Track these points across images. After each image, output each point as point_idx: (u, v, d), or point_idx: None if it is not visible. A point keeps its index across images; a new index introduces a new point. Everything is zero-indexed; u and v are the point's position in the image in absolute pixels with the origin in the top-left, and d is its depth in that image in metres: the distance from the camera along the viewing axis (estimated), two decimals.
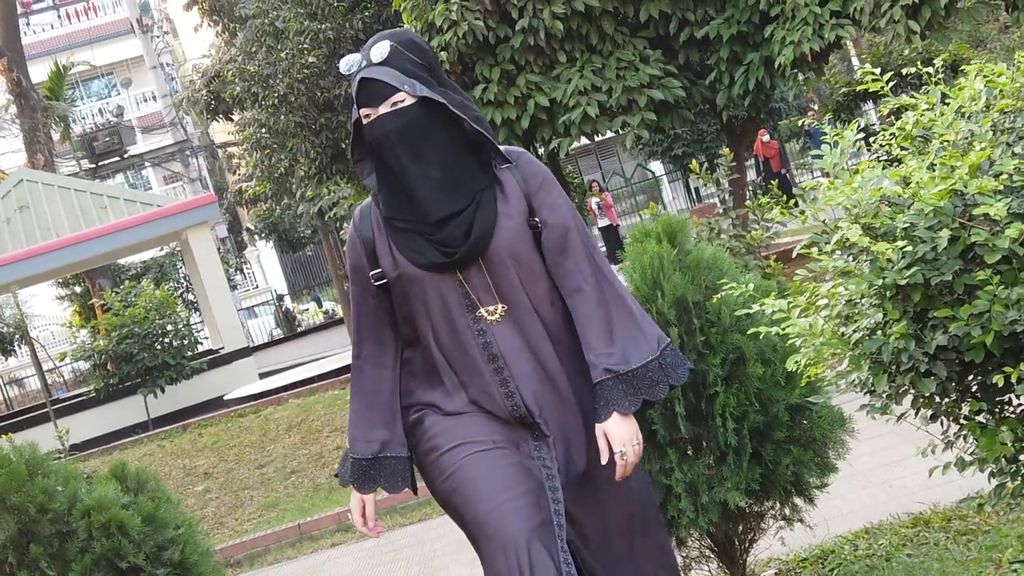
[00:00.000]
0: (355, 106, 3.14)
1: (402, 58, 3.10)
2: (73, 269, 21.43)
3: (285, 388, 14.97)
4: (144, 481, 4.45)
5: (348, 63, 3.14)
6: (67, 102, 27.14)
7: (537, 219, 3.18)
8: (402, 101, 3.07)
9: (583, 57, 10.84)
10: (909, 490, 5.53)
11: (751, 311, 3.91)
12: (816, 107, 24.23)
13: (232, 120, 18.82)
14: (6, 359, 29.20)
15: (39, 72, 27.00)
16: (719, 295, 3.61)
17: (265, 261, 41.02)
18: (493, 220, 3.11)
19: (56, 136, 26.11)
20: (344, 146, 13.16)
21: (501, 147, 3.23)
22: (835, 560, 4.66)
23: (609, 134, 12.17)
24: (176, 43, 42.03)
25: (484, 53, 10.76)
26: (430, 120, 3.09)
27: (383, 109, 3.08)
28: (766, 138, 24.66)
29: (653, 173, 34.44)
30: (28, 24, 33.81)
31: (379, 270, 3.19)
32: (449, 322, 3.15)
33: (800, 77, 10.27)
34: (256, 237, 36.68)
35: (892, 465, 6.05)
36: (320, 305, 33.72)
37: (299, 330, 29.50)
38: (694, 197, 32.07)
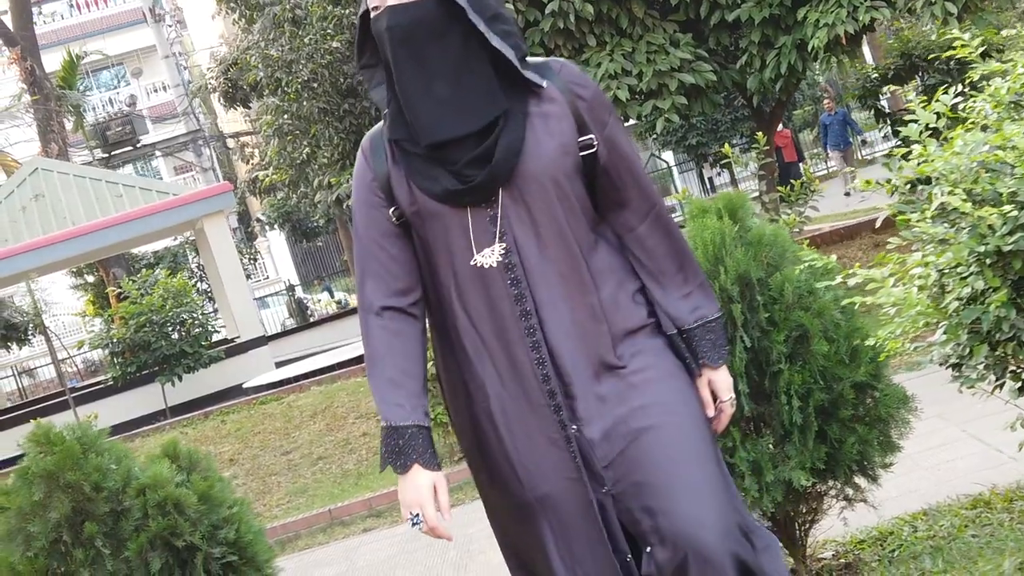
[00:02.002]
0: None
1: None
2: (89, 258, 21.40)
3: (306, 376, 14.91)
4: (196, 460, 4.40)
5: None
6: (80, 91, 27.10)
7: (591, 136, 2.65)
8: None
9: (613, 41, 10.71)
10: (959, 472, 5.47)
11: (815, 288, 3.86)
12: (825, 95, 23.99)
13: (249, 108, 18.76)
14: (20, 348, 29.21)
15: (51, 61, 26.96)
16: (800, 266, 3.53)
17: (276, 251, 40.99)
18: (521, 140, 2.58)
19: (69, 125, 26.09)
20: (366, 132, 13.02)
21: (542, 58, 2.72)
22: (895, 542, 4.60)
23: (632, 121, 12.09)
24: (185, 33, 41.98)
25: None
26: (446, 24, 2.55)
27: (391, 0, 2.57)
28: (778, 127, 24.49)
29: (667, 163, 34.35)
30: (40, 13, 33.79)
31: (396, 208, 2.68)
32: (476, 270, 2.62)
33: (833, 60, 10.17)
34: (267, 227, 36.65)
35: (938, 448, 5.98)
36: (332, 295, 33.68)
37: (312, 320, 29.45)
38: (708, 187, 31.97)
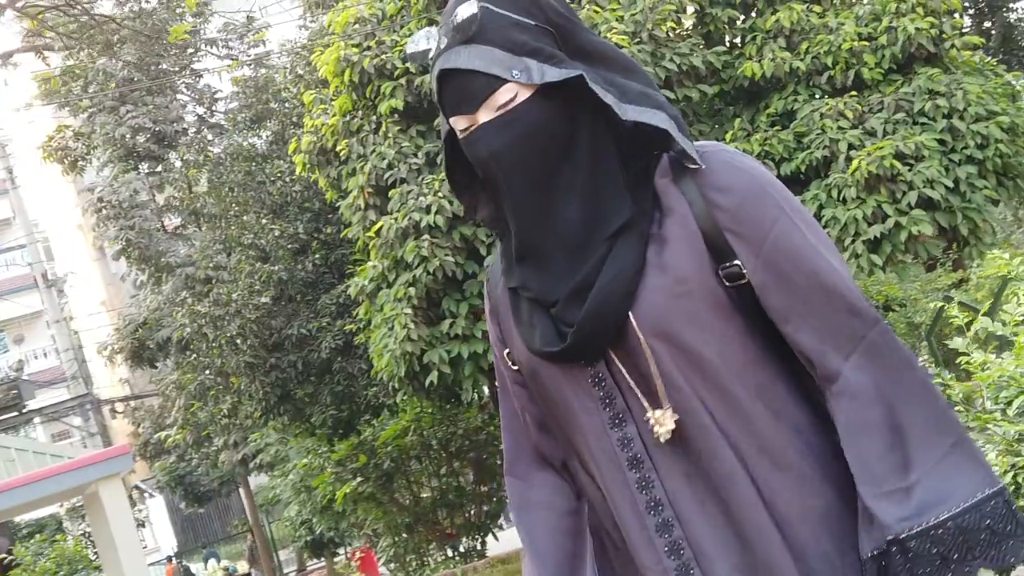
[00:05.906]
0: (441, 111, 1.90)
1: (502, 21, 1.82)
2: None
3: None
4: None
5: (419, 41, 1.88)
6: None
7: (737, 264, 1.81)
8: (512, 99, 1.81)
9: None
10: None
11: None
12: None
13: (155, 368, 18.66)
14: None
15: None
16: None
17: (155, 519, 39.78)
18: (630, 276, 1.80)
19: None
20: (292, 387, 13.12)
21: (699, 143, 1.88)
22: None
23: None
24: (64, 301, 41.77)
25: (451, 289, 10.87)
26: (563, 117, 1.83)
27: (484, 116, 1.83)
28: None
29: None
30: None
31: (508, 350, 2.02)
32: (589, 447, 1.90)
33: None
34: (147, 495, 35.68)
35: None
36: (219, 561, 32.62)
37: None
38: None
